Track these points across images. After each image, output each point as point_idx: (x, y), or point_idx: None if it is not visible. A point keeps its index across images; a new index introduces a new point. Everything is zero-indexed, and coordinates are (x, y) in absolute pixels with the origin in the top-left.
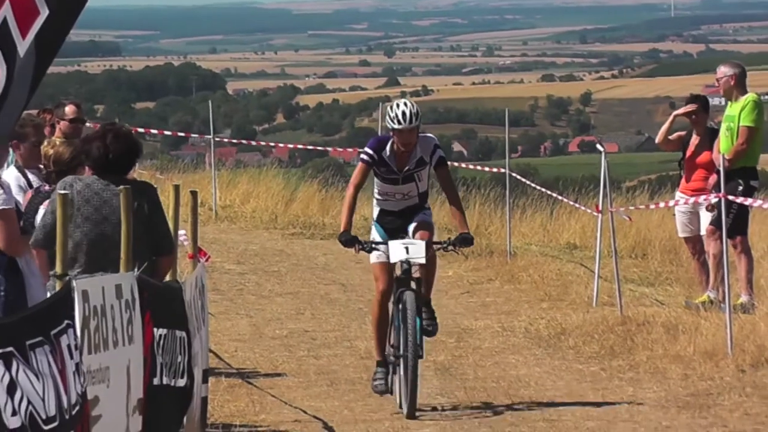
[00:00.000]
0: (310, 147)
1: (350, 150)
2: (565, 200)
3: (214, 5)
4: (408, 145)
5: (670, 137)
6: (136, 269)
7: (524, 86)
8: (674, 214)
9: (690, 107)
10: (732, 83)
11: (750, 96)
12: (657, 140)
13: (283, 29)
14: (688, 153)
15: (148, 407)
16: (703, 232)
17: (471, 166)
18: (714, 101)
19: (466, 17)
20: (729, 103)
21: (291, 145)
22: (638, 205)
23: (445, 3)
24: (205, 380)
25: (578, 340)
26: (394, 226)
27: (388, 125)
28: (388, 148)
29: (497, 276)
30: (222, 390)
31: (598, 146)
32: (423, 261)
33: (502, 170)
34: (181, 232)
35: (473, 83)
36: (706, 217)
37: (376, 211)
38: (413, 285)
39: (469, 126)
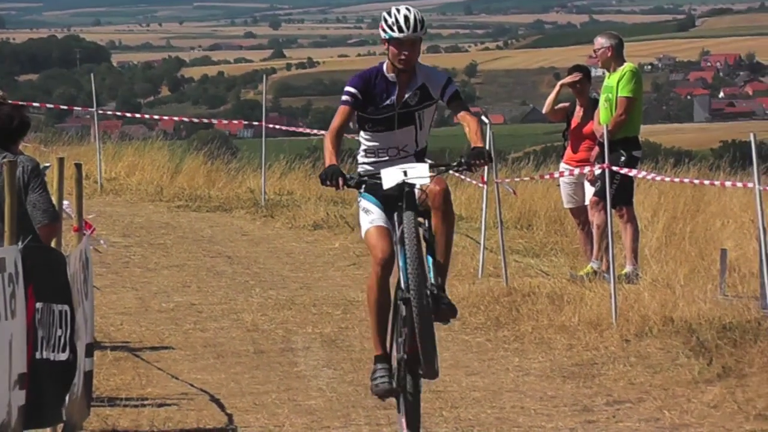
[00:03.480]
0: (196, 120)
1: (235, 122)
2: (451, 172)
3: None
4: (408, 62)
5: (555, 107)
6: (20, 242)
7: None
8: (559, 185)
9: (575, 76)
10: (609, 54)
11: (627, 66)
12: (544, 110)
13: (168, 1)
14: (573, 124)
15: (30, 381)
16: (587, 202)
17: (357, 138)
18: (598, 72)
19: None
20: (607, 74)
21: (176, 118)
22: (524, 177)
23: None
24: (89, 354)
25: (464, 311)
26: (389, 192)
27: (384, 35)
28: (378, 75)
29: None
30: (108, 363)
31: (484, 117)
32: (427, 181)
33: None
34: (65, 202)
35: (359, 55)
36: (590, 188)
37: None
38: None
39: None
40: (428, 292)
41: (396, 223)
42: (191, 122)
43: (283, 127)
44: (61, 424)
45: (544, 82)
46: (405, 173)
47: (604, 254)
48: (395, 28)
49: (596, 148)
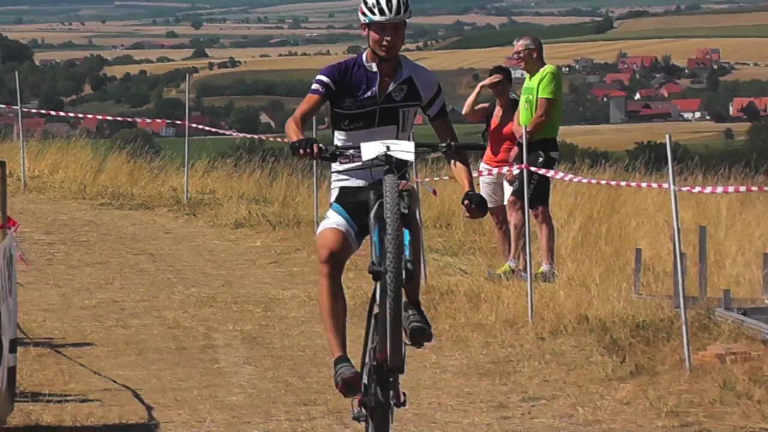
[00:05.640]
0: (119, 118)
1: (158, 121)
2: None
3: None
4: (391, 50)
5: (475, 107)
6: None
7: (331, 58)
8: (478, 185)
9: (496, 77)
10: (534, 56)
11: (548, 68)
12: (463, 111)
13: (90, 0)
14: (493, 124)
15: None
16: (506, 202)
17: (279, 139)
18: (516, 73)
19: None
20: (527, 75)
21: (99, 116)
22: (443, 176)
23: None
24: (13, 350)
25: None
26: (363, 200)
27: (363, 19)
28: (356, 64)
29: (304, 246)
30: (30, 359)
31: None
32: (412, 158)
33: None
34: None
35: (280, 55)
36: (509, 188)
37: (334, 193)
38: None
39: (276, 98)
40: (404, 265)
41: (373, 204)
42: (114, 121)
43: (206, 127)
44: None
45: (463, 83)
46: (387, 147)
47: (521, 253)
48: (376, 10)
49: (515, 149)
